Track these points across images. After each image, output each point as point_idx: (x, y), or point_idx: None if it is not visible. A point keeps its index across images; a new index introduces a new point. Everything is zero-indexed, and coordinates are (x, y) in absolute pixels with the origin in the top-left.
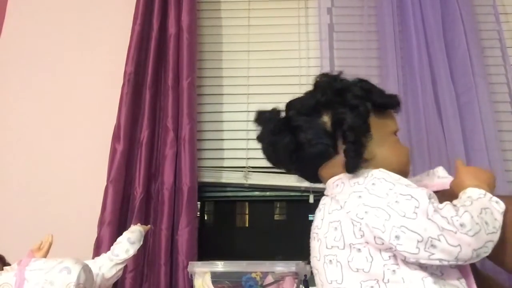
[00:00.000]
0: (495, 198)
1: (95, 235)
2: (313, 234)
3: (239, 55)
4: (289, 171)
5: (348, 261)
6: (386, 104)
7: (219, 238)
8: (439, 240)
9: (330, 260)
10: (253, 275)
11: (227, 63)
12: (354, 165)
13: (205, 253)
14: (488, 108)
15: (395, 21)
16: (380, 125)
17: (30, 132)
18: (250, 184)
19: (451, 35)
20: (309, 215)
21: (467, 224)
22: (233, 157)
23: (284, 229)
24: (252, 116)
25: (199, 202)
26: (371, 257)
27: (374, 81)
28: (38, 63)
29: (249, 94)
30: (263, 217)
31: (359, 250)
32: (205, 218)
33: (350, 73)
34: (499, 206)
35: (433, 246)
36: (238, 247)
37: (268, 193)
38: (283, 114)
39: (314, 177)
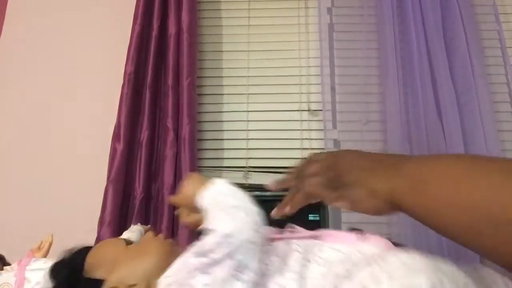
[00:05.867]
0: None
1: (95, 235)
2: None
3: (239, 55)
4: None
5: None
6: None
7: None
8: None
9: None
10: None
11: (227, 63)
12: None
13: None
14: (488, 108)
15: (395, 21)
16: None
17: (30, 132)
18: (250, 184)
19: (451, 35)
20: (309, 215)
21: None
22: (233, 157)
23: None
24: (252, 116)
25: None
26: None
27: (374, 81)
28: (37, 63)
29: (249, 94)
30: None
31: None
32: None
33: (350, 73)
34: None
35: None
36: None
37: (268, 193)
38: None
39: None
